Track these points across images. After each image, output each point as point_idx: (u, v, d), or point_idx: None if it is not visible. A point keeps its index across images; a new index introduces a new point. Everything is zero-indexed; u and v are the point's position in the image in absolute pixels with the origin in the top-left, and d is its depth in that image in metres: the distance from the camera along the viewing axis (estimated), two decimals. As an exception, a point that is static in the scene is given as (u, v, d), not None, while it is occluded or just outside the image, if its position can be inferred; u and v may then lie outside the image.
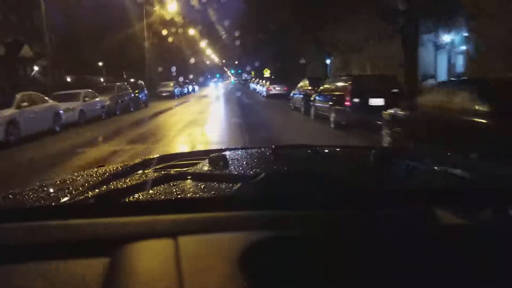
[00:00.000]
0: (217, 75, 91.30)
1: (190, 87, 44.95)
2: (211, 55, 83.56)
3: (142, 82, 26.56)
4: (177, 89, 36.57)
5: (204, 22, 57.30)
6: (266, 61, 51.10)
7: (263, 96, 30.83)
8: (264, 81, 33.78)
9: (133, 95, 22.18)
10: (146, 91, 26.03)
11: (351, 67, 35.78)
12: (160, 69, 42.52)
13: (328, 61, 44.21)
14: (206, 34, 60.35)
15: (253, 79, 52.10)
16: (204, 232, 0.76)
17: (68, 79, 40.44)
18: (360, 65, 34.05)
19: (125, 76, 51.91)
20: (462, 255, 0.72)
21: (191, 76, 54.86)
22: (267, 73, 50.54)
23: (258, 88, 37.05)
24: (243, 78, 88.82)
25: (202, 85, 61.91)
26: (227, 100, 29.54)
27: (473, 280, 0.67)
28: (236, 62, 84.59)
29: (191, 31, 51.98)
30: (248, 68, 66.68)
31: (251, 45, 51.99)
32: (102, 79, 54.65)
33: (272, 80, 30.69)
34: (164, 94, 34.31)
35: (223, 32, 56.55)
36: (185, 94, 39.94)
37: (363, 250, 0.72)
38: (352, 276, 0.67)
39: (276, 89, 28.97)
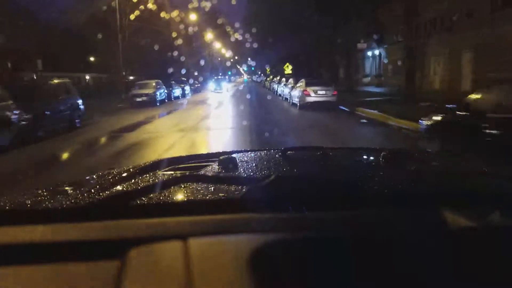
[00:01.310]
0: (229, 73, 78.95)
1: (187, 88, 31.96)
2: (222, 50, 71.54)
3: (66, 81, 13.63)
4: (162, 91, 23.80)
5: (214, 15, 44.31)
6: (286, 55, 38.49)
7: (295, 104, 17.80)
8: (292, 81, 20.80)
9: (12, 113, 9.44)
10: (78, 100, 13.33)
11: (424, 58, 22.69)
12: (170, 69, 30.72)
13: (376, 52, 31.01)
14: (215, 27, 47.52)
15: (272, 77, 38.98)
16: (214, 234, 0.75)
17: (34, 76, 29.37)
18: (444, 55, 20.82)
19: (124, 73, 39.25)
20: (470, 257, 0.70)
21: (196, 73, 42.04)
22: (288, 69, 37.88)
23: (282, 90, 24.10)
24: (257, 76, 77.41)
25: (206, 85, 48.68)
26: (234, 112, 16.71)
27: (479, 282, 0.65)
28: (249, 59, 72.89)
29: (194, 19, 39.14)
30: (256, 67, 54.45)
31: (268, 36, 39.05)
32: (87, 77, 41.74)
33: (311, 80, 17.66)
34: (138, 100, 21.72)
35: (235, 25, 42.97)
36: (176, 98, 27.25)
37: (372, 251, 0.71)
38: (361, 277, 0.65)
39: (318, 94, 15.97)
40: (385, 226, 0.79)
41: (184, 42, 37.42)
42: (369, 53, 30.84)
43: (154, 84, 23.17)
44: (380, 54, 29.25)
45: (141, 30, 31.10)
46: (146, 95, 21.88)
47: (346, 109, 15.35)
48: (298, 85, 17.63)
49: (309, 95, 15.89)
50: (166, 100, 24.38)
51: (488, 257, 0.69)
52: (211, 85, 39.12)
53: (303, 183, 1.04)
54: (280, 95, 25.51)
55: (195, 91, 34.80)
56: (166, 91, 24.55)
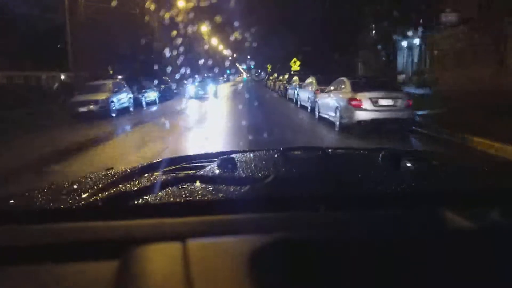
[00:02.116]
0: (228, 71, 71.82)
1: (168, 91, 24.09)
2: (219, 47, 64.29)
3: None
4: (123, 96, 16.13)
5: (212, 11, 36.83)
6: (292, 50, 31.55)
7: (328, 122, 10.02)
8: (315, 81, 13.25)
9: None
10: None
11: (505, 41, 14.63)
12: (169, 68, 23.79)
13: (416, 41, 23.22)
14: (213, 24, 40.05)
15: (277, 74, 31.41)
16: (213, 234, 0.73)
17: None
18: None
19: (111, 72, 31.59)
20: (471, 257, 0.68)
21: (188, 72, 34.19)
22: (296, 65, 30.59)
23: (295, 93, 16.47)
24: (257, 75, 71.05)
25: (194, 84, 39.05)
26: (221, 137, 9.02)
27: (479, 282, 0.64)
28: (249, 57, 67.08)
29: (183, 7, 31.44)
30: (256, 66, 49.55)
31: (271, 27, 32.03)
32: (62, 77, 33.46)
33: (361, 80, 9.91)
34: (82, 110, 14.18)
35: (234, 23, 34.91)
36: (151, 104, 19.58)
37: (373, 251, 0.69)
38: (362, 277, 0.64)
39: (381, 106, 8.20)
40: (385, 226, 0.78)
41: (172, 36, 30.08)
42: (404, 43, 23.19)
43: (110, 86, 15.50)
44: (422, 43, 21.61)
45: (111, 16, 23.60)
46: (95, 102, 14.27)
47: (435, 136, 7.74)
48: (333, 88, 9.91)
49: (360, 108, 8.17)
50: (132, 109, 16.76)
51: (489, 257, 0.68)
52: (190, 88, 24.00)
53: (302, 183, 1.03)
54: (291, 99, 17.93)
55: (181, 93, 26.91)
56: (131, 95, 16.88)
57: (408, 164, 1.33)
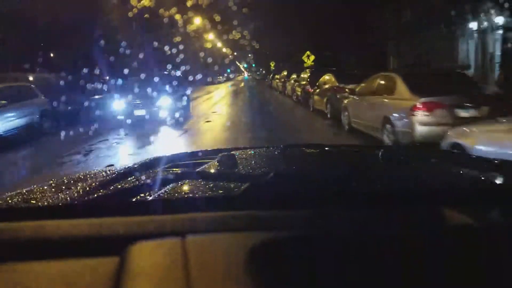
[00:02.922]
0: (228, 70, 66.07)
1: (125, 100, 16.06)
2: (217, 44, 57.61)
3: None
4: (16, 113, 8.48)
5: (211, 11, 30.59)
6: (301, 44, 25.16)
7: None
8: (401, 84, 5.63)
9: None
10: None
11: None
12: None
13: (498, 20, 15.45)
14: (213, 24, 33.91)
15: (287, 72, 23.86)
16: (213, 231, 0.73)
17: None
18: None
19: (99, 72, 23.64)
20: (471, 256, 0.67)
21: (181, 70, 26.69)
22: (309, 60, 23.85)
23: (346, 112, 8.86)
24: (257, 73, 65.46)
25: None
26: None
27: (479, 281, 0.63)
28: (250, 55, 61.88)
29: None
30: (257, 64, 46.68)
31: (271, 26, 26.82)
32: (31, 78, 25.09)
33: None
34: None
35: (234, 23, 29.51)
36: (90, 123, 11.71)
37: (372, 250, 0.69)
38: (361, 276, 0.63)
39: None
40: (385, 224, 0.77)
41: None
42: (471, 25, 15.74)
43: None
44: (506, 25, 14.06)
45: None
46: None
47: None
48: None
49: None
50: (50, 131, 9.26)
51: (488, 256, 0.67)
52: (116, 105, 11.24)
53: (303, 181, 1.03)
54: (321, 111, 10.45)
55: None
56: (30, 111, 9.31)
57: (409, 163, 1.32)
